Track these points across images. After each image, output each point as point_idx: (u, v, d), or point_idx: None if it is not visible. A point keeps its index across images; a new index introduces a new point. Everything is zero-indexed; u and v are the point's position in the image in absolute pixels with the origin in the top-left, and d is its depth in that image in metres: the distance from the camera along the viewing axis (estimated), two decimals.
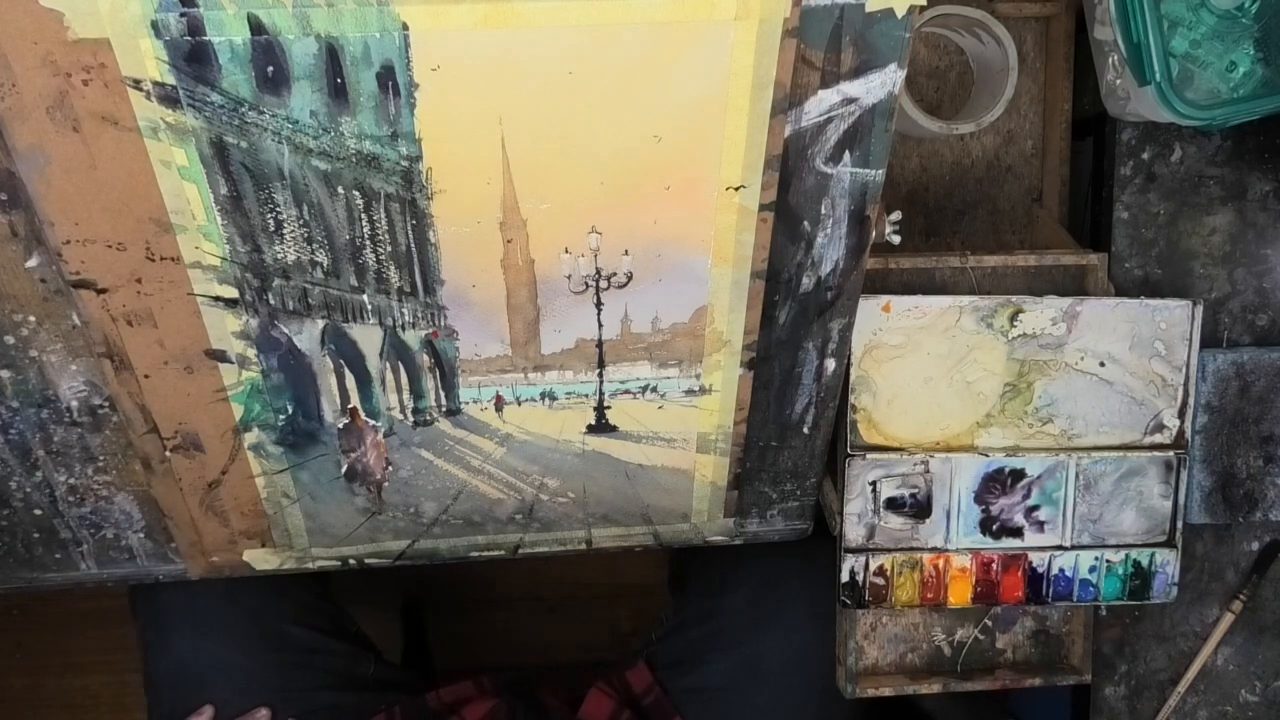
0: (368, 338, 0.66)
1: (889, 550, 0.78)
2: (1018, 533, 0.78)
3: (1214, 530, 0.83)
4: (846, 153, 0.61)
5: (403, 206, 0.60)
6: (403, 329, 0.66)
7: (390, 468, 0.73)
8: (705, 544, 0.84)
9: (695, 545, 0.84)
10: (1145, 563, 0.79)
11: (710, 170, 0.60)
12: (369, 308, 0.65)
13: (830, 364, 0.72)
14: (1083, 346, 0.75)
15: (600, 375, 0.71)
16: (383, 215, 0.60)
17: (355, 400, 0.69)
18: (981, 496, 0.77)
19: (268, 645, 0.89)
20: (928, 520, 0.77)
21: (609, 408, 0.73)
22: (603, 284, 0.65)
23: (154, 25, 0.50)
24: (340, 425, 0.70)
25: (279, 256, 0.61)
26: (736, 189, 0.61)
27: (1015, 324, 0.74)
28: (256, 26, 0.51)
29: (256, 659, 0.88)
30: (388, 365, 0.68)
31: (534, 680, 0.99)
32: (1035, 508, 0.78)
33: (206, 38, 0.51)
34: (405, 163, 0.58)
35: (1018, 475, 0.77)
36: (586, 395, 0.72)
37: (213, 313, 0.63)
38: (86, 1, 0.49)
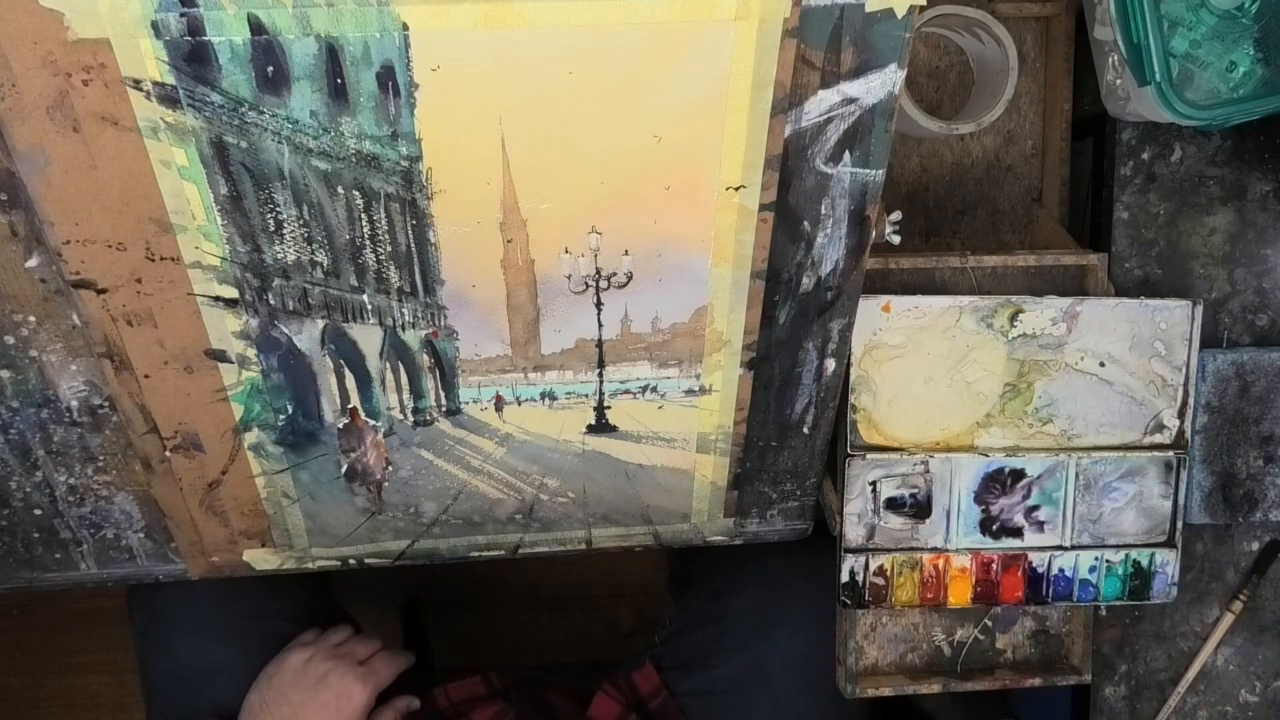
0: (368, 338, 0.66)
1: (889, 550, 0.78)
2: (1018, 533, 0.78)
3: (1214, 530, 0.83)
4: (846, 153, 0.61)
5: (403, 206, 0.60)
6: (403, 329, 0.66)
7: (390, 468, 0.74)
8: (705, 544, 0.84)
9: (696, 545, 0.84)
10: (1145, 563, 0.79)
11: (710, 170, 0.60)
12: (369, 308, 0.65)
13: (830, 364, 0.72)
14: (1083, 346, 0.75)
15: (600, 375, 0.71)
16: (383, 215, 0.60)
17: (355, 400, 0.69)
18: (981, 496, 0.77)
19: (267, 646, 0.89)
20: (928, 520, 0.77)
21: (609, 408, 0.73)
22: (603, 284, 0.65)
23: (154, 25, 0.50)
24: (340, 425, 0.70)
25: (279, 256, 0.61)
26: (736, 189, 0.61)
27: (1015, 324, 0.74)
28: (256, 26, 0.51)
29: (256, 659, 0.88)
30: (388, 365, 0.68)
31: (541, 680, 0.99)
32: (1035, 508, 0.78)
33: (206, 38, 0.51)
34: (405, 163, 0.58)
35: (1018, 475, 0.77)
36: (586, 395, 0.72)
37: (213, 313, 0.63)
38: (86, 1, 0.49)
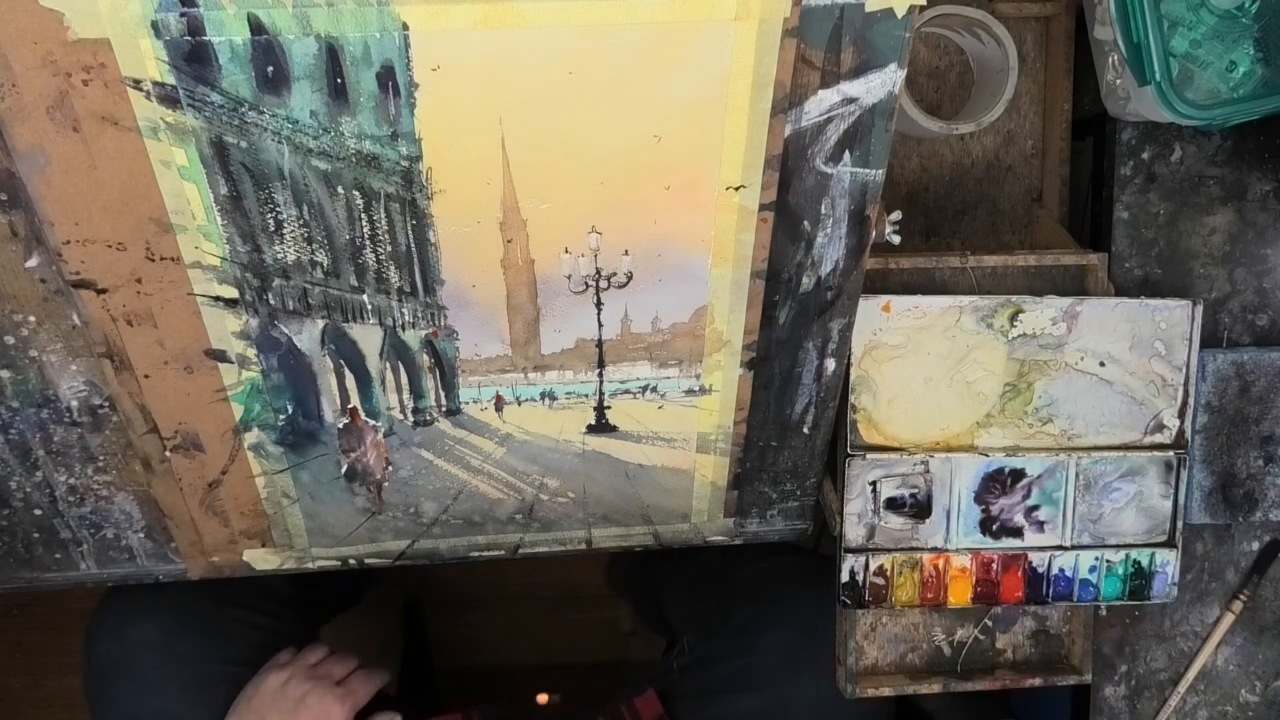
0: (368, 338, 0.66)
1: (889, 550, 0.78)
2: (1018, 533, 0.78)
3: (1214, 530, 0.83)
4: (846, 152, 0.61)
5: (403, 206, 0.60)
6: (403, 329, 0.66)
7: (390, 468, 0.74)
8: (705, 544, 0.84)
9: (695, 545, 0.84)
10: (1145, 563, 0.79)
11: (710, 170, 0.60)
12: (369, 308, 0.65)
13: (830, 364, 0.72)
14: (1083, 346, 0.75)
15: (600, 375, 0.71)
16: (383, 215, 0.60)
17: (355, 400, 0.69)
18: (981, 496, 0.77)
19: (210, 691, 0.87)
20: (928, 520, 0.77)
21: (609, 408, 0.73)
22: (603, 284, 0.65)
23: (154, 25, 0.50)
24: (340, 425, 0.70)
25: (279, 256, 0.61)
26: (736, 189, 0.61)
27: (1015, 324, 0.74)
28: (256, 26, 0.51)
29: (200, 705, 0.86)
30: (388, 365, 0.68)
31: (522, 717, 0.98)
32: (1035, 508, 0.78)
33: (206, 38, 0.51)
34: (405, 163, 0.58)
35: (1018, 475, 0.77)
36: (586, 395, 0.72)
37: (213, 313, 0.63)
38: (86, 1, 0.49)
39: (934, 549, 0.78)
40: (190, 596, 0.87)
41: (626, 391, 0.72)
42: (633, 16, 0.53)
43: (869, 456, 0.76)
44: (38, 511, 0.74)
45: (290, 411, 0.69)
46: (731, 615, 0.94)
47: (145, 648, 0.87)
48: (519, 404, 0.71)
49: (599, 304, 0.66)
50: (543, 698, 1.44)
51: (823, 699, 0.86)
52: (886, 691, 0.81)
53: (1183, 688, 0.85)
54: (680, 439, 0.75)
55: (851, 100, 0.58)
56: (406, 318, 0.65)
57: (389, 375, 0.68)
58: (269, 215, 0.59)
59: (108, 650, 0.88)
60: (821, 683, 0.85)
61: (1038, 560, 0.79)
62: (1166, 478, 0.78)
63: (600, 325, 0.68)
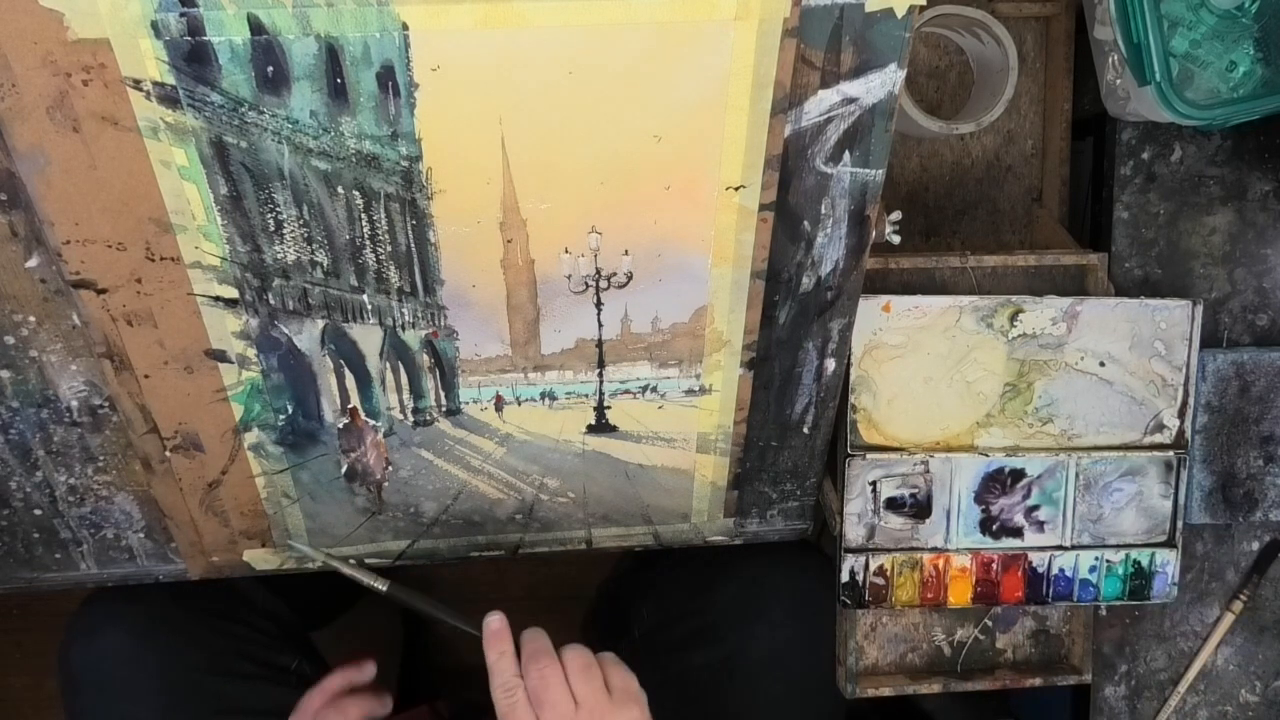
0: (368, 338, 0.66)
1: (889, 550, 0.78)
2: (1018, 533, 0.78)
3: (1214, 530, 0.83)
4: (846, 152, 0.61)
5: (403, 206, 0.60)
6: (403, 329, 0.66)
7: (390, 468, 0.74)
8: (705, 544, 0.84)
9: (696, 544, 0.84)
10: (1145, 563, 0.79)
11: (710, 170, 0.60)
12: (369, 308, 0.65)
13: (830, 364, 0.72)
14: (1083, 346, 0.75)
15: (600, 375, 0.71)
16: (383, 215, 0.60)
17: (355, 400, 0.69)
18: (981, 496, 0.77)
19: (183, 701, 0.86)
20: (928, 520, 0.77)
21: (609, 408, 0.73)
22: (603, 284, 0.65)
23: (154, 25, 0.50)
24: (340, 425, 0.70)
25: (279, 256, 0.61)
26: (736, 189, 0.61)
27: (1015, 324, 0.74)
28: (256, 26, 0.51)
29: (172, 714, 0.85)
30: (388, 365, 0.68)
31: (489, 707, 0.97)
32: (1035, 508, 0.78)
33: (206, 38, 0.51)
34: (405, 163, 0.58)
35: (1018, 475, 0.77)
36: (586, 395, 0.72)
37: (213, 313, 0.63)
38: (86, 1, 0.49)
39: (934, 549, 0.78)
40: (161, 605, 0.87)
41: (626, 391, 0.72)
42: (633, 16, 0.53)
43: (869, 456, 0.76)
44: (38, 511, 0.74)
45: (290, 411, 0.69)
46: (685, 583, 0.94)
47: (114, 657, 0.87)
48: (519, 404, 0.71)
49: (599, 304, 0.66)
50: None
51: (776, 647, 0.86)
52: (886, 691, 0.81)
53: (1183, 688, 0.85)
54: (680, 439, 0.75)
55: (851, 100, 0.58)
56: (406, 318, 0.65)
57: (389, 375, 0.68)
58: (269, 215, 0.59)
59: (78, 659, 0.88)
60: (775, 632, 0.85)
61: (1038, 560, 0.79)
62: (1166, 478, 0.78)
63: (600, 325, 0.68)
